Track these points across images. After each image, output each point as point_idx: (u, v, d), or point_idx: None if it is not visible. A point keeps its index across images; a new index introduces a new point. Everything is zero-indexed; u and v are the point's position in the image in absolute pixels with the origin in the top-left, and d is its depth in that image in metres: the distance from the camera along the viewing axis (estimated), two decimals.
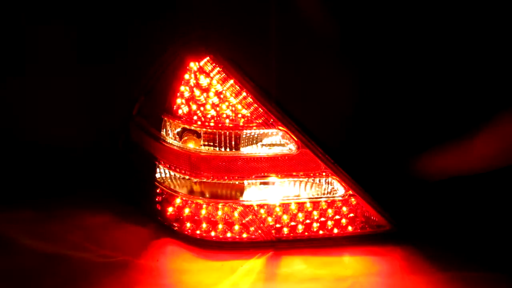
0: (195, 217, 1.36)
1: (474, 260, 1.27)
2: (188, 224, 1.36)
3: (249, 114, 1.29)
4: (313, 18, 1.30)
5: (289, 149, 1.30)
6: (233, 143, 1.30)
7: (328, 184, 1.34)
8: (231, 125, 1.29)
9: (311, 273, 1.27)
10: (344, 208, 1.35)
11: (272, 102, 1.27)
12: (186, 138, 1.31)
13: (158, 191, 1.39)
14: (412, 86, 1.30)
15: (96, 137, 1.48)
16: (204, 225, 1.35)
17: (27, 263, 1.27)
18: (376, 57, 1.29)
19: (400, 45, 1.29)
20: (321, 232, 1.36)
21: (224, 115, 1.29)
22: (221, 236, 1.35)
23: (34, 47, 1.47)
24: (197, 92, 1.29)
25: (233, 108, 1.29)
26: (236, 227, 1.35)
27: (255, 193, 1.35)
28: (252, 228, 1.34)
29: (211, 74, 1.28)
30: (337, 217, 1.35)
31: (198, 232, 1.36)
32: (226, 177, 1.32)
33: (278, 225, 1.35)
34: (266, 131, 1.30)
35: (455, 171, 1.28)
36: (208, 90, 1.29)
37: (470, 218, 1.33)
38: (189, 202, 1.36)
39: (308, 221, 1.35)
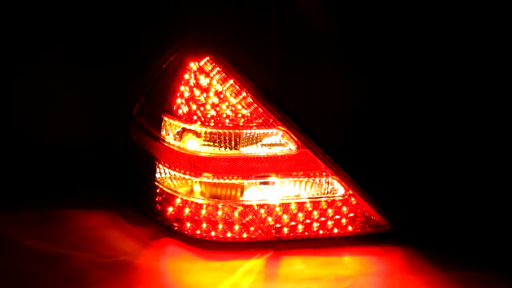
0: (195, 217, 1.36)
1: (474, 260, 1.27)
2: (188, 224, 1.36)
3: (249, 114, 1.29)
4: (313, 18, 1.30)
5: (289, 149, 1.30)
6: (233, 143, 1.30)
7: (328, 184, 1.34)
8: (231, 125, 1.29)
9: (311, 273, 1.27)
10: (344, 208, 1.35)
11: (272, 102, 1.27)
12: (186, 137, 1.32)
13: (158, 191, 1.39)
14: (412, 86, 1.30)
15: (96, 137, 1.48)
16: (204, 225, 1.35)
17: (27, 263, 1.27)
18: (376, 58, 1.29)
19: (400, 46, 1.29)
20: (321, 232, 1.35)
21: (224, 115, 1.29)
22: (221, 236, 1.35)
23: (35, 47, 1.47)
24: (197, 92, 1.29)
25: (233, 108, 1.29)
26: (236, 227, 1.35)
27: (255, 193, 1.34)
28: (252, 228, 1.34)
29: (211, 74, 1.28)
30: (337, 216, 1.35)
31: (198, 232, 1.36)
32: (226, 177, 1.32)
33: (278, 225, 1.35)
34: (266, 131, 1.30)
35: None
36: (208, 90, 1.29)
37: (470, 218, 1.33)
38: (189, 202, 1.36)
39: (308, 221, 1.35)
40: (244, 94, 1.27)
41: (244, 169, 1.31)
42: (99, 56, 1.43)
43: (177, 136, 1.33)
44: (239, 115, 1.29)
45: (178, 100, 1.30)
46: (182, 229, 1.37)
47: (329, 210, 1.35)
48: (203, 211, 1.35)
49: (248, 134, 1.31)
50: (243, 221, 1.35)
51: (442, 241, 1.32)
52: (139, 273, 1.25)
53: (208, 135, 1.31)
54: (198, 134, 1.31)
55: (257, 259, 1.30)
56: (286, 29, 1.29)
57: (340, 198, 1.34)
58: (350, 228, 1.36)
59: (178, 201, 1.36)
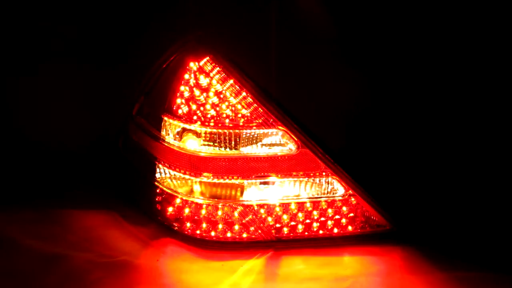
0: (195, 217, 1.36)
1: (474, 260, 1.27)
2: (188, 224, 1.36)
3: (249, 114, 1.29)
4: (313, 18, 1.30)
5: (289, 149, 1.30)
6: (233, 143, 1.30)
7: (328, 183, 1.34)
8: (231, 125, 1.29)
9: (311, 273, 1.27)
10: (344, 208, 1.35)
11: (272, 102, 1.27)
12: (186, 137, 1.32)
13: (158, 191, 1.39)
14: (412, 86, 1.30)
15: (96, 137, 1.48)
16: (204, 225, 1.35)
17: (27, 263, 1.27)
18: (376, 57, 1.29)
19: (400, 46, 1.29)
20: (321, 232, 1.35)
21: (224, 115, 1.29)
22: (221, 236, 1.35)
23: (35, 48, 1.47)
24: (197, 92, 1.29)
25: (233, 108, 1.29)
26: (236, 227, 1.35)
27: (255, 193, 1.34)
28: (252, 228, 1.35)
29: (211, 74, 1.28)
30: (337, 216, 1.35)
31: (198, 232, 1.36)
32: (226, 177, 1.32)
33: (278, 225, 1.35)
34: (266, 131, 1.30)
35: None
36: (208, 90, 1.29)
37: (470, 218, 1.33)
38: (189, 202, 1.36)
39: (308, 221, 1.35)
40: (244, 94, 1.27)
41: (244, 169, 1.31)
42: (99, 56, 1.43)
43: (177, 136, 1.33)
44: (239, 115, 1.29)
45: (178, 100, 1.30)
46: (182, 229, 1.37)
47: (329, 210, 1.35)
48: (203, 211, 1.35)
49: (248, 134, 1.31)
50: (243, 221, 1.35)
51: (442, 241, 1.32)
52: (139, 273, 1.25)
53: (208, 135, 1.31)
54: (198, 134, 1.31)
55: (257, 259, 1.30)
56: (286, 29, 1.29)
57: (340, 198, 1.34)
58: (350, 228, 1.36)
59: (178, 201, 1.37)
